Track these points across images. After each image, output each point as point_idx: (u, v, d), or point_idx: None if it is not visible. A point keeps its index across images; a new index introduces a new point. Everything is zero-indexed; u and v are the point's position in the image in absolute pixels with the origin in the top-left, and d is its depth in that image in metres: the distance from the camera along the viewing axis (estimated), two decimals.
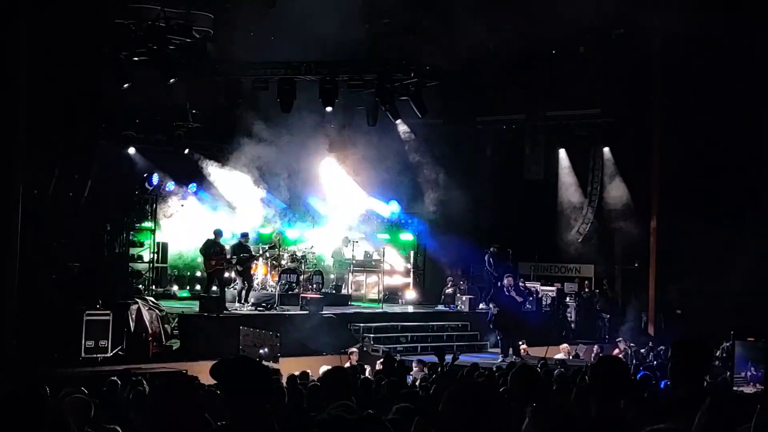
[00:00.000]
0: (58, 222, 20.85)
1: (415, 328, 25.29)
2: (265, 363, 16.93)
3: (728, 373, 16.28)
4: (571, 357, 24.31)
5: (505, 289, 23.62)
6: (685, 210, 27.06)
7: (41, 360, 17.72)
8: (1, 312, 17.40)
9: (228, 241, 24.81)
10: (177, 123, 26.55)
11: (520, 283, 25.85)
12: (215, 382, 5.58)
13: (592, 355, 24.39)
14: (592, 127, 30.35)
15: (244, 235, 25.03)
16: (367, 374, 16.46)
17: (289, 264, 26.70)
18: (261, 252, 26.14)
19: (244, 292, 24.34)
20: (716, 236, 25.53)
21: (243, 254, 24.29)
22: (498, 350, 23.98)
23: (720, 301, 26.05)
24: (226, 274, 24.38)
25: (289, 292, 25.34)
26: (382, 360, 18.44)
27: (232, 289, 24.76)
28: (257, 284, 26.14)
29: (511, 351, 22.85)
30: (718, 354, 21.35)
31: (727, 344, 21.77)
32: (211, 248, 23.60)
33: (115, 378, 12.50)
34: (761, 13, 23.69)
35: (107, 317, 19.62)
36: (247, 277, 24.52)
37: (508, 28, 25.27)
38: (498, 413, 4.23)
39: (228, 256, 23.97)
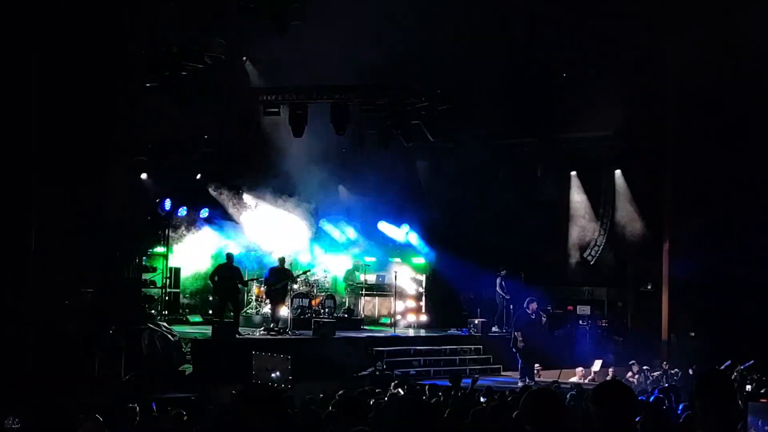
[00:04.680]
0: (70, 248, 20.87)
1: (427, 352, 25.22)
2: (277, 386, 16.95)
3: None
4: (586, 380, 24.21)
5: (530, 314, 23.46)
6: (698, 232, 27.00)
7: (55, 387, 17.70)
8: (17, 339, 17.41)
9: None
10: (189, 148, 26.59)
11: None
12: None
13: (607, 378, 24.27)
14: (604, 149, 30.28)
15: (281, 260, 25.13)
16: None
17: (301, 288, 26.72)
18: (296, 276, 26.18)
19: (286, 319, 24.51)
20: (729, 258, 25.45)
21: (280, 278, 24.42)
22: (511, 374, 24.00)
23: (734, 323, 25.96)
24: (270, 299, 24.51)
25: (302, 317, 25.37)
26: (394, 383, 18.36)
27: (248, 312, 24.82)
28: (269, 309, 26.17)
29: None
30: (733, 377, 21.23)
31: (742, 367, 21.71)
32: (224, 272, 23.71)
33: (134, 405, 12.46)
34: None
35: (120, 343, 19.64)
36: (284, 302, 24.63)
37: (520, 51, 25.33)
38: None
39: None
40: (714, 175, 27.06)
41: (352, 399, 11.35)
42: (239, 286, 24.41)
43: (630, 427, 5.17)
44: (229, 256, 24.24)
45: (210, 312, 26.84)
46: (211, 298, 27.21)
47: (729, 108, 26.20)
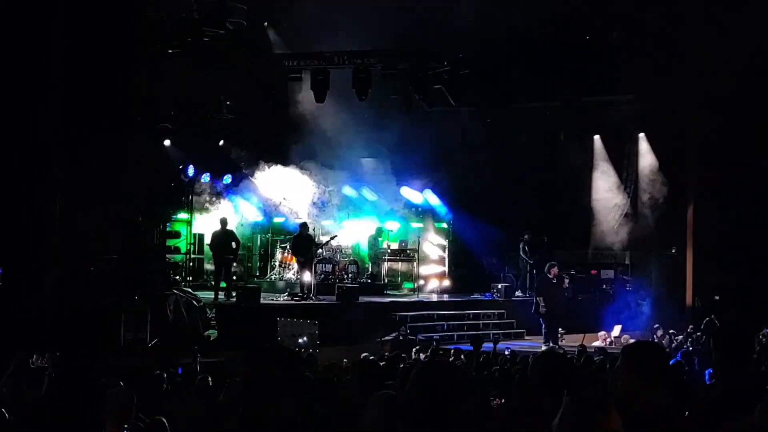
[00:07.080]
0: (94, 215, 20.96)
1: (451, 317, 25.22)
2: (304, 351, 17.02)
3: None
4: (609, 344, 24.18)
5: (551, 278, 23.42)
6: (723, 195, 26.79)
7: (81, 352, 17.82)
8: (41, 306, 17.54)
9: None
10: (211, 115, 26.62)
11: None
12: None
13: (629, 342, 24.19)
14: (628, 113, 30.03)
15: (304, 225, 24.98)
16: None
17: (324, 254, 26.74)
18: (324, 242, 26.15)
19: (310, 285, 24.22)
20: (755, 221, 25.27)
21: (306, 245, 24.34)
22: (534, 338, 24.05)
23: (759, 286, 25.81)
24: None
25: (325, 282, 25.40)
26: (417, 348, 18.41)
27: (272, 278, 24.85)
28: (293, 274, 26.19)
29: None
30: (758, 340, 21.14)
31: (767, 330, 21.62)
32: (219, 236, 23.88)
33: (161, 372, 12.55)
34: None
35: (145, 309, 19.76)
36: (309, 268, 24.47)
37: (541, 14, 25.12)
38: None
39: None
40: (739, 137, 26.78)
41: (366, 363, 11.41)
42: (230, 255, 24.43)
43: (655, 388, 5.13)
44: (223, 221, 24.43)
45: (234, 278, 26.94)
46: (235, 265, 27.27)
47: (756, 69, 25.83)
